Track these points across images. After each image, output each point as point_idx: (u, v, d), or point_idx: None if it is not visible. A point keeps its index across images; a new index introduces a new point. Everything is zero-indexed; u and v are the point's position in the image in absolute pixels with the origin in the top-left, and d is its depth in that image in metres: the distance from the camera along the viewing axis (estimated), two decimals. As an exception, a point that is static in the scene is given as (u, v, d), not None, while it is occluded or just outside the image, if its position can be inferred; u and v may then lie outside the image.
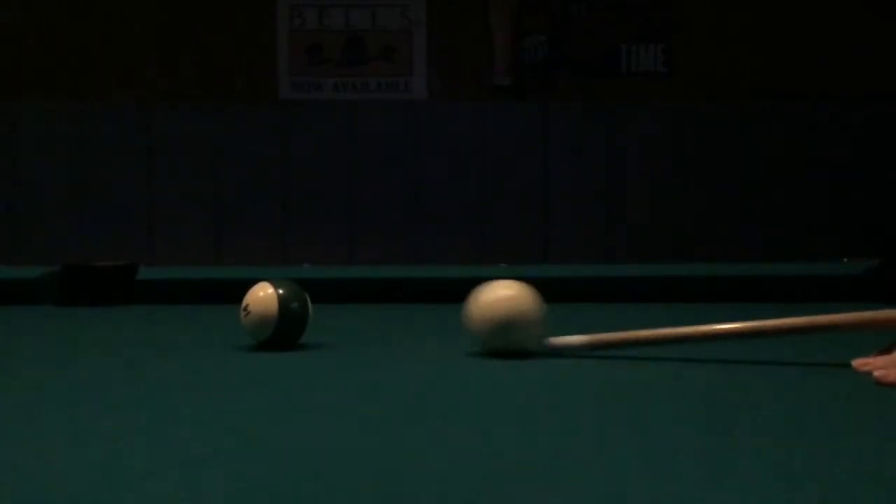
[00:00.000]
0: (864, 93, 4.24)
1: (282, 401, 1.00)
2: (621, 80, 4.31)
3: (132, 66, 4.24)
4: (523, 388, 1.08)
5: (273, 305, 1.31)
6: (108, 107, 4.21)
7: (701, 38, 4.30)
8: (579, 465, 0.71)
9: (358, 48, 4.30)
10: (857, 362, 1.10)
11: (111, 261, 2.34)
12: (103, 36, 4.24)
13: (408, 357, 1.31)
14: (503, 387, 1.08)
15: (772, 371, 1.18)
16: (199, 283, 2.12)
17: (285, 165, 4.24)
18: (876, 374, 1.03)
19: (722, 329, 1.21)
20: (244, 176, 4.21)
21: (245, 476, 0.68)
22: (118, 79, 4.23)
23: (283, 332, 1.33)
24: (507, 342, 1.25)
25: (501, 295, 1.26)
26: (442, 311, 1.92)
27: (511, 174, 4.24)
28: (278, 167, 4.23)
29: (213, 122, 4.23)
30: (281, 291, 1.33)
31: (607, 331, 1.26)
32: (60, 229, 4.18)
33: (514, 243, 4.20)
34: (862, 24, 4.29)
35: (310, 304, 1.36)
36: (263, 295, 1.32)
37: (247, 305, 1.33)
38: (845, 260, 2.73)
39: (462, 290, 2.10)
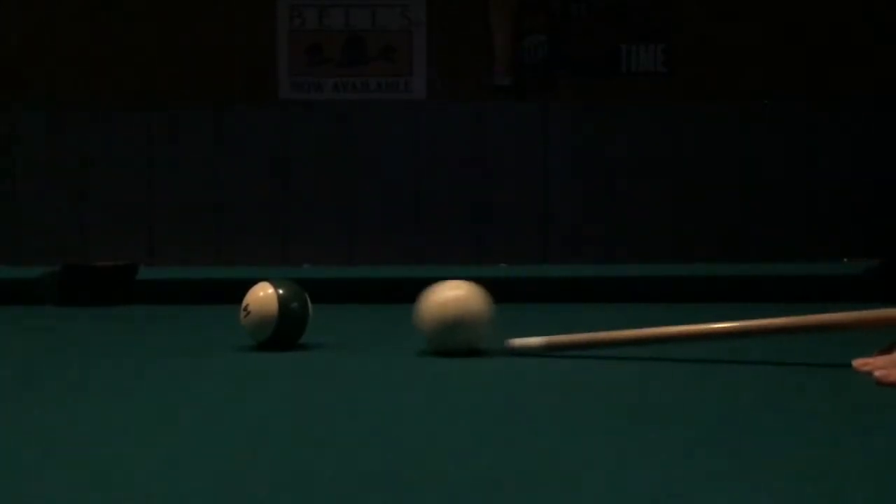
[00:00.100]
0: (864, 93, 4.24)
1: (282, 401, 1.00)
2: (621, 80, 4.30)
3: (132, 66, 4.24)
4: (522, 389, 1.08)
5: (273, 305, 1.31)
6: (109, 107, 4.20)
7: (701, 38, 4.30)
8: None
9: (358, 48, 4.30)
10: (858, 362, 1.10)
11: (111, 261, 2.34)
12: (103, 36, 4.24)
13: (408, 357, 1.31)
14: (503, 386, 1.08)
15: (772, 371, 1.18)
16: (199, 283, 2.12)
17: (285, 165, 4.24)
18: (876, 374, 1.03)
19: (682, 331, 1.21)
20: (244, 176, 4.21)
21: (245, 476, 0.68)
22: (118, 79, 4.23)
23: (283, 332, 1.33)
24: (456, 342, 1.26)
25: (451, 295, 1.27)
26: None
27: (511, 174, 4.24)
28: (278, 167, 4.23)
29: (212, 122, 4.22)
30: (281, 291, 1.33)
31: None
32: (60, 229, 4.18)
33: (514, 243, 4.19)
34: (862, 24, 4.29)
35: (310, 304, 1.36)
36: (263, 295, 1.33)
37: (247, 305, 1.33)
38: (845, 260, 2.73)
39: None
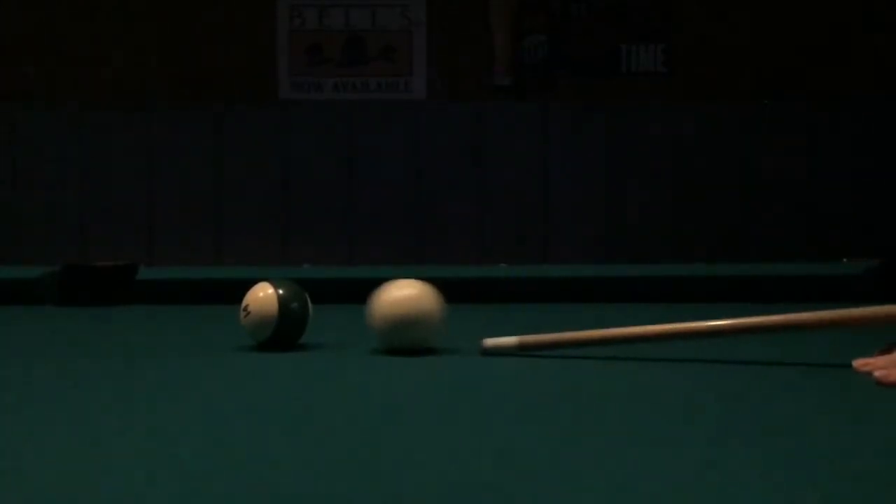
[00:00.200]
0: (864, 93, 4.24)
1: (281, 401, 1.00)
2: (621, 80, 4.30)
3: (132, 65, 4.24)
4: (522, 388, 1.08)
5: (273, 306, 1.31)
6: (109, 107, 4.21)
7: (701, 38, 4.30)
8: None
9: (358, 48, 4.30)
10: (858, 363, 1.10)
11: (111, 261, 2.34)
12: (103, 36, 4.24)
13: (407, 357, 1.31)
14: (501, 386, 1.08)
15: (771, 371, 1.18)
16: (199, 283, 2.12)
17: (285, 165, 4.24)
18: (876, 374, 1.03)
19: (654, 331, 1.21)
20: (244, 176, 4.21)
21: (244, 476, 0.68)
22: (118, 79, 4.23)
23: (283, 332, 1.32)
24: (407, 340, 1.27)
25: (402, 294, 1.28)
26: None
27: (511, 174, 4.24)
28: (278, 167, 4.23)
29: (213, 122, 4.23)
30: (281, 291, 1.33)
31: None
32: (60, 229, 4.18)
33: (514, 243, 4.20)
34: (862, 24, 4.29)
35: (310, 304, 1.36)
36: (263, 295, 1.32)
37: (247, 306, 1.33)
38: (845, 260, 2.73)
39: (462, 290, 2.10)
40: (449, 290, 2.10)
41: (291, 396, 1.03)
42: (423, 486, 0.65)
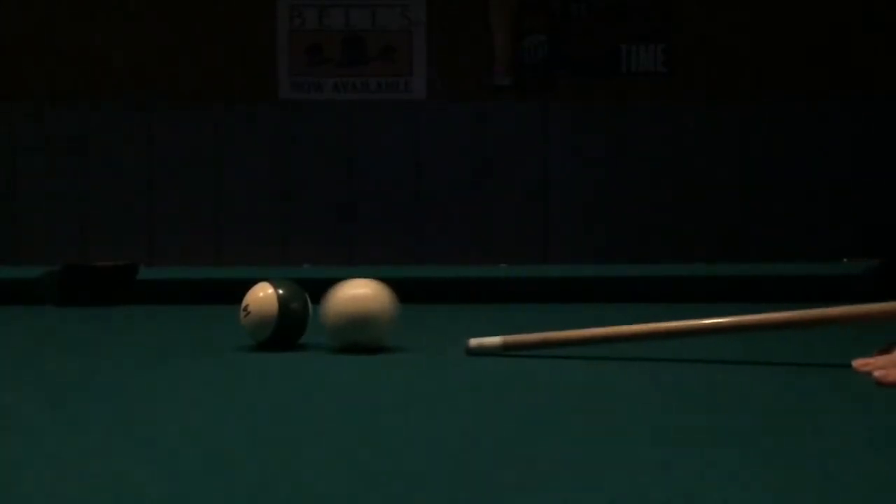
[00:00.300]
0: (864, 93, 4.24)
1: (282, 401, 1.00)
2: (621, 80, 4.30)
3: (132, 66, 4.24)
4: (507, 388, 1.08)
5: (273, 305, 1.31)
6: (108, 107, 4.20)
7: (701, 38, 4.30)
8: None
9: (358, 48, 4.30)
10: (858, 363, 1.10)
11: (111, 261, 2.34)
12: (103, 36, 4.24)
13: (407, 357, 1.31)
14: (499, 386, 1.08)
15: (771, 371, 1.18)
16: (199, 283, 2.12)
17: (285, 165, 4.24)
18: (876, 374, 1.03)
19: (639, 330, 1.22)
20: (244, 176, 4.21)
21: (244, 476, 0.68)
22: (118, 79, 4.23)
23: (283, 332, 1.33)
24: (360, 339, 1.28)
25: (355, 293, 1.29)
26: (442, 311, 1.92)
27: (511, 174, 4.24)
28: (278, 167, 4.23)
29: (213, 122, 4.23)
30: (281, 291, 1.33)
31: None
32: (60, 229, 4.18)
33: (514, 243, 4.20)
34: (862, 25, 4.29)
35: (310, 304, 1.36)
36: (263, 295, 1.33)
37: (246, 306, 1.33)
38: (845, 260, 2.73)
39: (462, 290, 2.11)
40: (449, 290, 2.10)
41: (291, 396, 1.03)
42: (424, 488, 0.65)
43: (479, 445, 0.78)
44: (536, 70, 4.30)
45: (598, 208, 4.23)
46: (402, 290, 2.05)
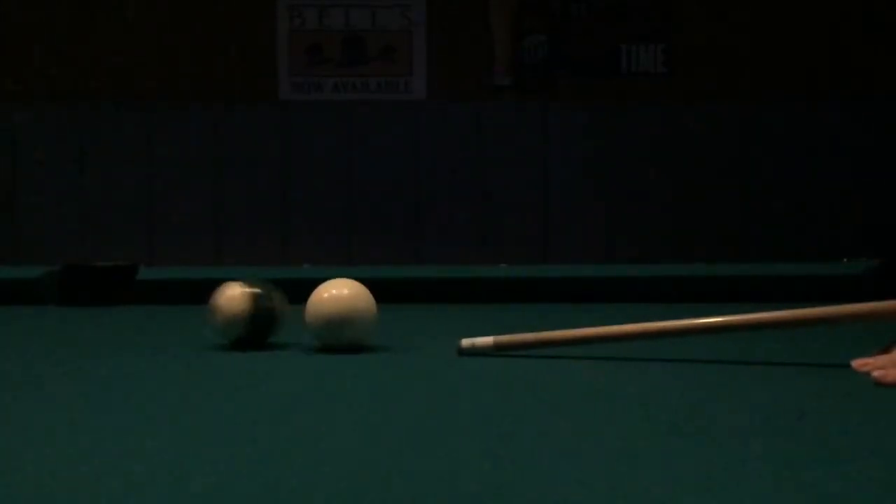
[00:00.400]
0: (864, 93, 4.24)
1: (282, 401, 1.00)
2: (621, 80, 4.30)
3: (132, 66, 4.24)
4: (498, 388, 1.08)
5: (243, 303, 1.32)
6: (109, 107, 4.21)
7: (701, 38, 4.30)
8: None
9: (358, 48, 4.30)
10: (857, 362, 1.10)
11: (111, 261, 2.35)
12: (103, 36, 4.24)
13: (407, 357, 1.31)
14: (488, 386, 1.08)
15: (770, 371, 1.18)
16: (199, 283, 2.12)
17: (285, 165, 4.24)
18: (875, 373, 1.03)
19: (633, 330, 1.22)
20: (244, 176, 4.21)
21: (243, 476, 0.68)
22: (118, 79, 4.23)
23: (255, 330, 1.33)
24: (341, 338, 1.30)
25: (336, 294, 1.30)
26: (442, 311, 1.92)
27: (511, 174, 4.24)
28: (278, 167, 4.23)
29: (213, 122, 4.23)
30: (251, 290, 1.34)
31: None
32: (60, 229, 4.18)
33: (514, 243, 4.20)
34: (862, 25, 4.29)
35: (283, 302, 1.36)
36: (232, 294, 1.34)
37: (215, 305, 1.34)
38: (845, 260, 2.72)
39: (462, 290, 2.10)
40: (449, 289, 2.10)
41: (290, 397, 1.03)
42: (422, 489, 0.65)
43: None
44: (536, 70, 4.30)
45: (598, 208, 4.23)
46: (402, 290, 2.05)
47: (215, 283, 2.07)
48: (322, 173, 4.22)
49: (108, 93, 4.22)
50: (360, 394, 1.04)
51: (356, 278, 1.36)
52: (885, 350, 1.10)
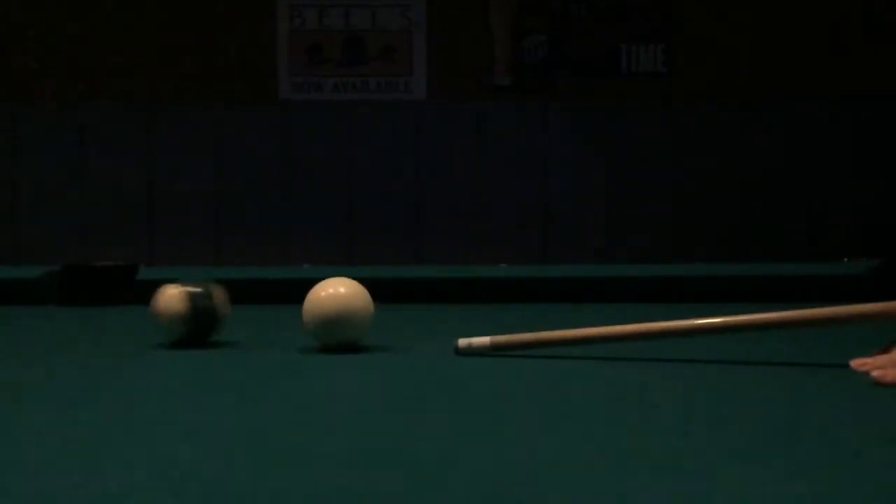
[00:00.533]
0: (864, 93, 4.24)
1: (282, 402, 1.00)
2: (621, 80, 4.30)
3: (132, 66, 4.24)
4: (493, 388, 1.08)
5: (181, 304, 1.33)
6: (108, 107, 4.20)
7: (701, 38, 4.30)
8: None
9: (358, 48, 4.30)
10: (856, 362, 1.10)
11: (111, 261, 2.35)
12: (103, 35, 4.24)
13: (405, 357, 1.31)
14: (491, 387, 1.08)
15: (769, 371, 1.18)
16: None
17: (285, 165, 4.24)
18: (874, 373, 1.03)
19: (632, 330, 1.22)
20: (244, 176, 4.21)
21: (246, 476, 0.68)
22: (118, 79, 4.23)
23: (197, 329, 1.34)
24: (338, 338, 1.30)
25: (333, 293, 1.31)
26: (441, 311, 1.92)
27: (511, 174, 4.24)
28: (278, 167, 4.23)
29: (213, 122, 4.23)
30: (189, 289, 1.35)
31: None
32: (60, 229, 4.18)
33: (514, 243, 4.20)
34: (861, 25, 4.29)
35: (225, 300, 1.37)
36: (170, 295, 1.35)
37: (155, 306, 1.35)
38: (845, 260, 2.73)
39: (462, 290, 2.10)
40: (449, 289, 2.10)
41: (290, 397, 1.03)
42: (418, 493, 0.65)
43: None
44: (536, 70, 4.30)
45: (598, 208, 4.23)
46: (402, 290, 2.05)
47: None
48: (322, 173, 4.22)
49: (108, 93, 4.22)
50: (357, 393, 1.04)
51: (356, 278, 1.36)
52: (885, 350, 1.10)
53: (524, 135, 4.25)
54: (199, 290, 1.35)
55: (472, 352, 1.26)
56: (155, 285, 2.12)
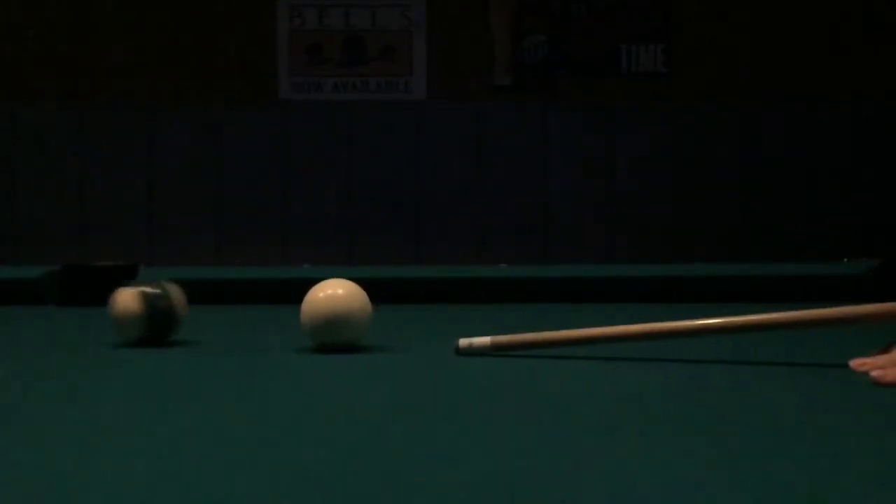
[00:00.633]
0: (863, 93, 4.24)
1: (283, 402, 1.00)
2: (621, 80, 4.30)
3: (132, 66, 4.24)
4: (493, 388, 1.08)
5: (137, 305, 1.33)
6: (108, 107, 4.20)
7: (701, 38, 4.30)
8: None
9: (358, 48, 4.30)
10: (855, 362, 1.10)
11: (111, 261, 2.35)
12: (103, 36, 4.24)
13: (405, 357, 1.31)
14: (492, 386, 1.08)
15: (768, 371, 1.18)
16: (199, 283, 2.12)
17: (285, 165, 4.24)
18: (873, 373, 1.03)
19: (634, 330, 1.22)
20: (244, 176, 4.21)
21: (247, 476, 0.68)
22: (118, 79, 4.23)
23: (154, 329, 1.35)
24: (336, 338, 1.30)
25: (331, 294, 1.31)
26: (441, 311, 1.92)
27: (511, 174, 4.24)
28: (278, 167, 4.23)
29: (213, 122, 4.23)
30: (145, 290, 1.35)
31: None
32: (60, 229, 4.18)
33: (514, 243, 4.19)
34: (861, 25, 4.29)
35: (182, 300, 1.37)
36: (126, 296, 1.35)
37: (112, 307, 1.36)
38: (845, 260, 2.72)
39: (462, 290, 2.10)
40: (449, 289, 2.10)
41: (291, 398, 1.03)
42: (413, 493, 0.65)
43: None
44: (536, 70, 4.30)
45: (598, 208, 4.23)
46: (402, 290, 2.05)
47: (215, 284, 2.08)
48: (322, 173, 4.22)
49: (108, 93, 4.22)
50: (357, 394, 1.04)
51: (356, 278, 1.36)
52: (885, 350, 1.10)
53: (524, 135, 4.25)
54: (155, 290, 1.35)
55: (472, 352, 1.26)
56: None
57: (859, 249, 3.66)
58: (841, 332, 1.32)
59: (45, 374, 1.21)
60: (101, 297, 2.07)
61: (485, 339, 1.27)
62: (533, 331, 1.29)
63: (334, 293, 1.31)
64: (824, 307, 1.21)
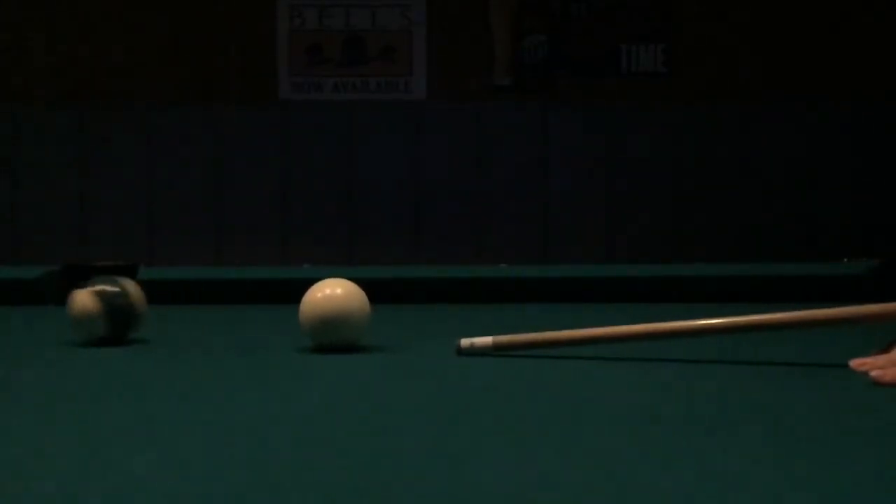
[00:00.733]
0: (864, 93, 4.24)
1: (282, 402, 1.00)
2: (621, 80, 4.30)
3: (132, 66, 4.24)
4: (497, 389, 1.08)
5: (95, 304, 1.34)
6: (108, 107, 4.21)
7: (701, 38, 4.30)
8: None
9: (358, 48, 4.30)
10: (855, 362, 1.10)
11: (111, 261, 2.35)
12: (103, 36, 4.24)
13: (406, 357, 1.31)
14: (494, 386, 1.08)
15: (769, 371, 1.18)
16: (199, 283, 2.12)
17: (285, 165, 4.24)
18: (873, 373, 1.03)
19: (636, 330, 1.22)
20: (244, 176, 4.22)
21: (248, 476, 0.68)
22: (118, 79, 4.23)
23: (114, 327, 1.35)
24: (334, 338, 1.30)
25: (329, 294, 1.31)
26: (441, 311, 1.92)
27: (511, 174, 4.24)
28: (278, 167, 4.23)
29: (213, 122, 4.23)
30: (103, 289, 1.35)
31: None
32: (60, 229, 4.18)
33: (514, 243, 4.20)
34: (862, 24, 4.29)
35: (140, 298, 1.37)
36: (85, 295, 1.36)
37: (70, 308, 1.36)
38: (845, 260, 2.72)
39: (462, 290, 2.10)
40: (449, 289, 2.10)
41: (290, 398, 1.03)
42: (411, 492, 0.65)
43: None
44: (536, 70, 4.30)
45: (598, 208, 4.23)
46: (402, 290, 2.05)
47: (215, 283, 2.08)
48: (322, 173, 4.22)
49: (108, 93, 4.22)
50: (357, 394, 1.04)
51: (356, 278, 1.36)
52: (884, 350, 1.10)
53: (524, 135, 4.25)
54: (113, 289, 1.35)
55: (474, 352, 1.26)
56: (155, 285, 2.12)
57: (859, 249, 3.65)
58: (841, 332, 1.32)
59: (44, 373, 1.21)
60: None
61: (486, 339, 1.27)
62: (533, 331, 1.29)
63: (333, 293, 1.31)
64: (824, 307, 1.20)
